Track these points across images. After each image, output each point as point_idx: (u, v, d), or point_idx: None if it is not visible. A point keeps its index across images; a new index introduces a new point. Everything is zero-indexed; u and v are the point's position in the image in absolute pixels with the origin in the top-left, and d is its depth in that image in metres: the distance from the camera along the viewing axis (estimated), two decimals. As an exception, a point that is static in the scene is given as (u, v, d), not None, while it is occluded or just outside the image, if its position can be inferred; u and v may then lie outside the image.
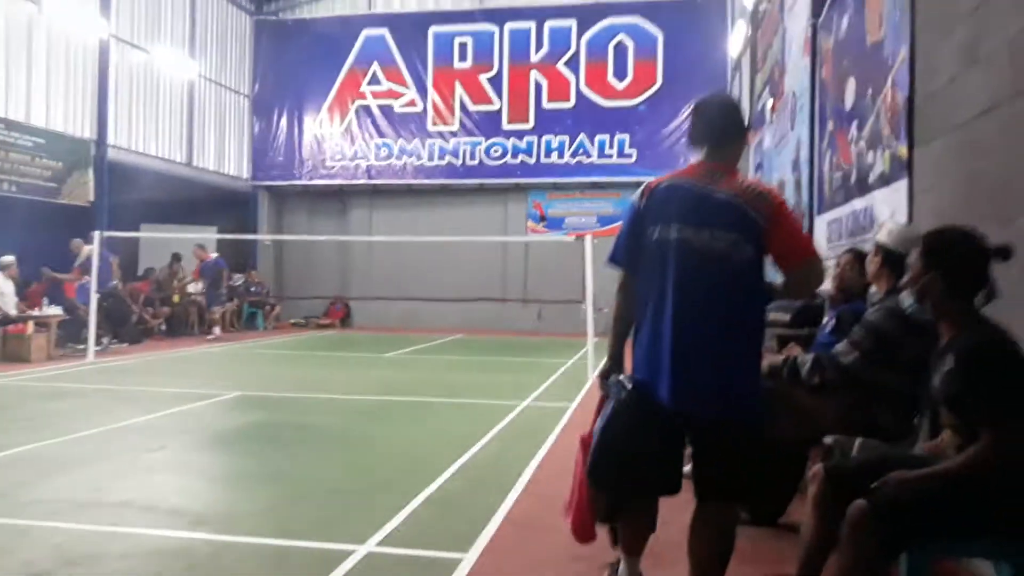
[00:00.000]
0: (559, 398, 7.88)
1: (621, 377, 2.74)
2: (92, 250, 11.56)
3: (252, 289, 18.04)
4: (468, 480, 4.83)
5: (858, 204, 4.87)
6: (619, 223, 2.90)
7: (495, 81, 18.48)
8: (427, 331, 17.00)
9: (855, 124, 4.95)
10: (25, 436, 5.87)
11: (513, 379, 9.75)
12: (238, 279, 16.83)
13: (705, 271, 2.60)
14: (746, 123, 2.84)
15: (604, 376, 2.86)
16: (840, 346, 3.46)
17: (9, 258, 11.51)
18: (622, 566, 3.00)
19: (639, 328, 2.75)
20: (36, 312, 11.49)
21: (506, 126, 18.39)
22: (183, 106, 17.31)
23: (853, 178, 5.00)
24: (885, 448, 3.17)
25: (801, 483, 3.97)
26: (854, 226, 4.93)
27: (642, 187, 2.79)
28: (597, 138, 17.88)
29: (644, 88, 17.80)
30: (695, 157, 2.78)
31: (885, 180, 4.25)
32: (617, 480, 2.75)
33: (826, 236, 5.80)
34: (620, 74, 17.89)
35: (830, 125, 5.77)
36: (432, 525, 3.93)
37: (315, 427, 6.59)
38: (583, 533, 3.00)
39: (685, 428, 2.67)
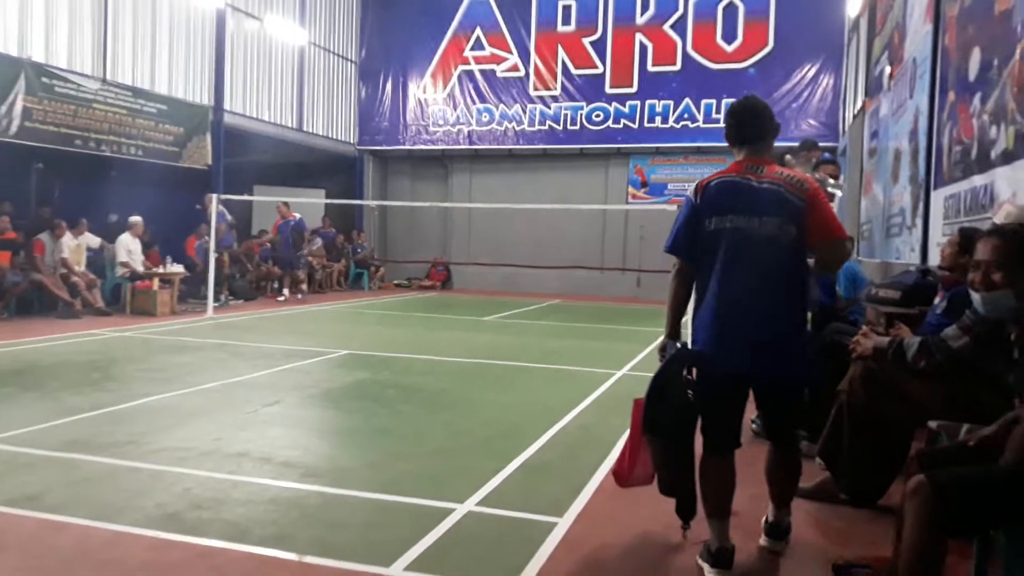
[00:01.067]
0: (657, 368, 7.83)
1: (677, 344, 3.25)
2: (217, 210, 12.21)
3: (359, 250, 18.66)
4: (564, 447, 4.95)
5: (978, 181, 4.62)
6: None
7: (599, 45, 18.24)
8: (525, 295, 17.21)
9: (978, 96, 4.69)
10: (154, 387, 6.36)
11: (610, 347, 9.80)
12: (316, 242, 16.71)
13: (757, 253, 3.04)
14: (775, 121, 3.26)
15: (662, 349, 3.31)
16: (950, 330, 3.35)
17: (136, 218, 12.32)
18: (711, 535, 3.15)
19: (699, 306, 3.19)
20: (160, 269, 12.27)
21: (609, 90, 18.16)
22: (294, 72, 17.88)
23: (974, 153, 4.74)
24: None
25: (903, 466, 3.90)
26: (972, 203, 4.69)
27: (695, 185, 3.23)
28: (703, 102, 17.44)
29: (754, 51, 17.19)
30: (737, 155, 3.22)
31: (1008, 158, 4.02)
32: (668, 427, 3.18)
33: (942, 212, 5.54)
34: (729, 36, 17.34)
35: (951, 96, 5.47)
36: (528, 489, 4.07)
37: (417, 387, 6.84)
38: (620, 479, 3.47)
39: (747, 386, 3.19)
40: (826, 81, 16.72)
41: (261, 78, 16.84)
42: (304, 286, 15.08)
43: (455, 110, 19.34)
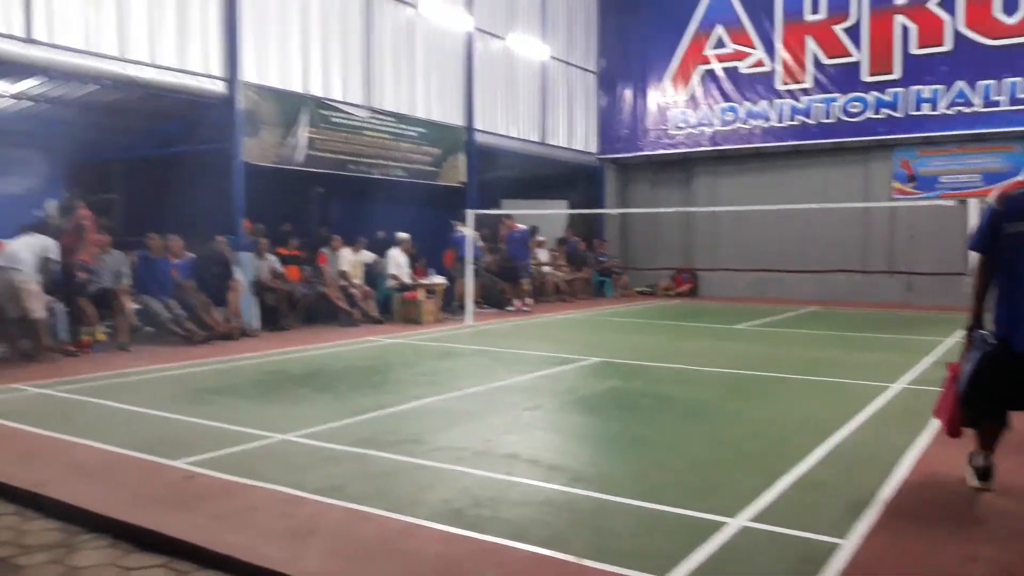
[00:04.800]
0: (939, 381, 7.08)
1: (984, 333, 3.91)
2: (467, 230, 12.92)
3: (601, 259, 18.86)
4: (838, 465, 4.63)
5: None
6: (1009, 180, 4.17)
7: (853, 31, 16.98)
8: (778, 302, 16.38)
9: None
10: (427, 390, 6.86)
11: (881, 357, 9.01)
12: (542, 254, 16.88)
13: None
14: None
15: (969, 330, 3.99)
16: None
17: (404, 235, 13.39)
18: (978, 457, 4.09)
19: (1000, 298, 3.86)
20: (425, 281, 13.23)
21: (866, 78, 16.83)
22: (536, 87, 18.48)
23: None
24: None
25: None
26: None
27: (997, 194, 3.88)
28: (980, 84, 15.60)
29: (1044, 20, 15.11)
30: None
31: None
32: (983, 407, 3.96)
33: None
34: (1011, 7, 15.34)
35: None
36: (804, 507, 3.85)
37: (671, 396, 6.77)
38: (952, 431, 4.15)
39: None
40: None
41: (507, 95, 17.59)
42: (530, 299, 14.79)
43: (696, 111, 18.94)
